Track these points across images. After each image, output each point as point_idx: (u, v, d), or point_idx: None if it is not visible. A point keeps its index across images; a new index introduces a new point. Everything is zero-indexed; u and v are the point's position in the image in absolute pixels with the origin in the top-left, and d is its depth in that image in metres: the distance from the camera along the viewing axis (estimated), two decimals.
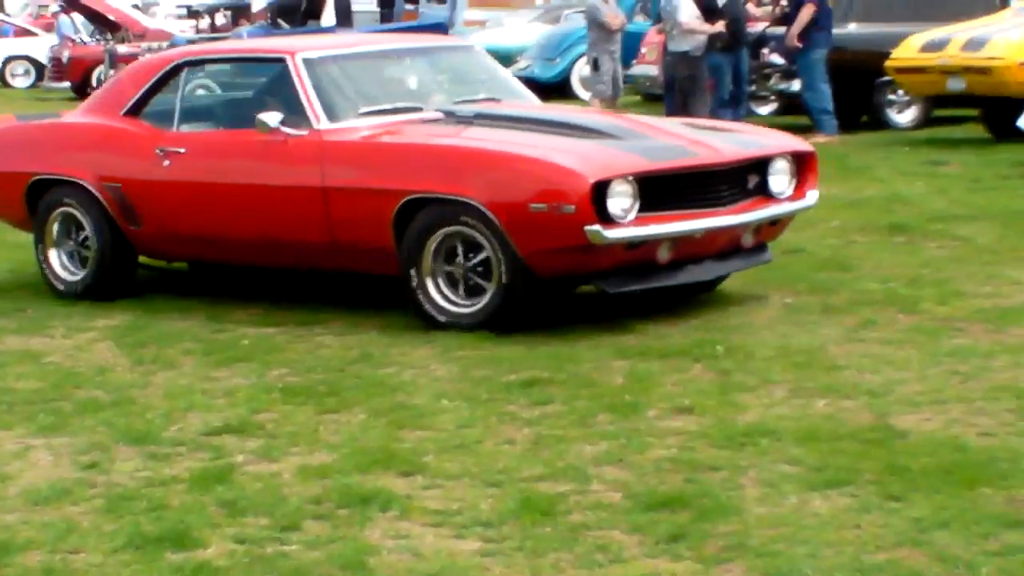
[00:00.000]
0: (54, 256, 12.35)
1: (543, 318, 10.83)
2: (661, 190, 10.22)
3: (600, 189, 9.86)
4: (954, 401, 8.60)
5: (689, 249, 10.53)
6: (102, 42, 37.41)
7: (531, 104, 12.50)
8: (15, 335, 11.38)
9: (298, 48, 11.81)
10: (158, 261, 12.83)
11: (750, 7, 24.97)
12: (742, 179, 10.67)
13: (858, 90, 22.82)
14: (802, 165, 11.12)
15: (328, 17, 32.60)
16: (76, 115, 13.21)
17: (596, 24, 25.25)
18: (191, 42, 32.41)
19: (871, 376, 9.18)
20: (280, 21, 32.74)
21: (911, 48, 21.46)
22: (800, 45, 21.23)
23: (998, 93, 20.26)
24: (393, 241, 10.64)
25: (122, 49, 35.59)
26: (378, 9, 38.93)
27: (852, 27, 23.42)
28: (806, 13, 21.11)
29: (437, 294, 10.59)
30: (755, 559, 6.42)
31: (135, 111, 12.08)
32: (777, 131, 12.22)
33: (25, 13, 57.16)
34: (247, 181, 11.37)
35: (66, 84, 37.52)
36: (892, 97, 23.09)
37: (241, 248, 11.74)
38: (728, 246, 10.80)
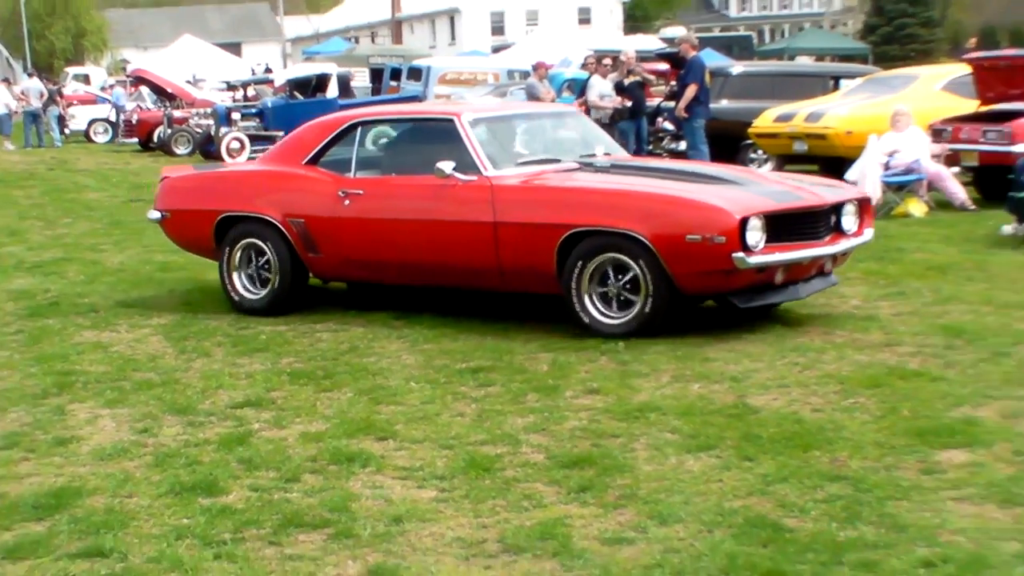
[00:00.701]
0: (237, 279, 11.89)
1: (486, 320, 10.82)
2: (780, 225, 9.97)
3: (742, 224, 9.64)
4: (794, 385, 8.60)
5: (795, 273, 10.27)
6: (162, 108, 37.28)
7: (643, 158, 12.40)
8: (89, 330, 11.32)
9: (461, 111, 11.46)
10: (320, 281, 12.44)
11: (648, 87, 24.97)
12: (829, 218, 10.45)
13: (729, 150, 22.86)
14: (862, 209, 10.84)
15: (332, 90, 32.48)
16: (257, 165, 12.73)
17: (533, 98, 25.28)
18: (229, 109, 32.33)
19: (734, 366, 9.18)
20: (296, 93, 32.62)
21: (767, 119, 21.65)
22: (686, 115, 21.26)
23: (831, 154, 20.41)
24: (555, 266, 10.27)
25: (177, 114, 35.50)
26: (370, 84, 38.95)
27: (725, 102, 23.52)
28: (690, 91, 21.15)
29: (593, 308, 10.20)
30: (643, 505, 6.43)
31: (314, 161, 11.76)
32: (839, 182, 11.86)
33: (107, 85, 56.89)
34: (424, 217, 10.90)
35: (135, 140, 37.40)
36: (753, 155, 23.17)
37: (412, 271, 11.28)
38: (817, 271, 10.57)
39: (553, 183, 10.74)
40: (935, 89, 21.24)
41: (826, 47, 69.71)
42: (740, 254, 9.63)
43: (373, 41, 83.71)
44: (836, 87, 24.02)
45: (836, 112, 20.75)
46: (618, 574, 5.63)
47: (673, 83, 23.90)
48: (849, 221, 10.60)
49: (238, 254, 11.89)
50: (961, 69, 20.82)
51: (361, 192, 11.27)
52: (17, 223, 19.98)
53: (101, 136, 42.07)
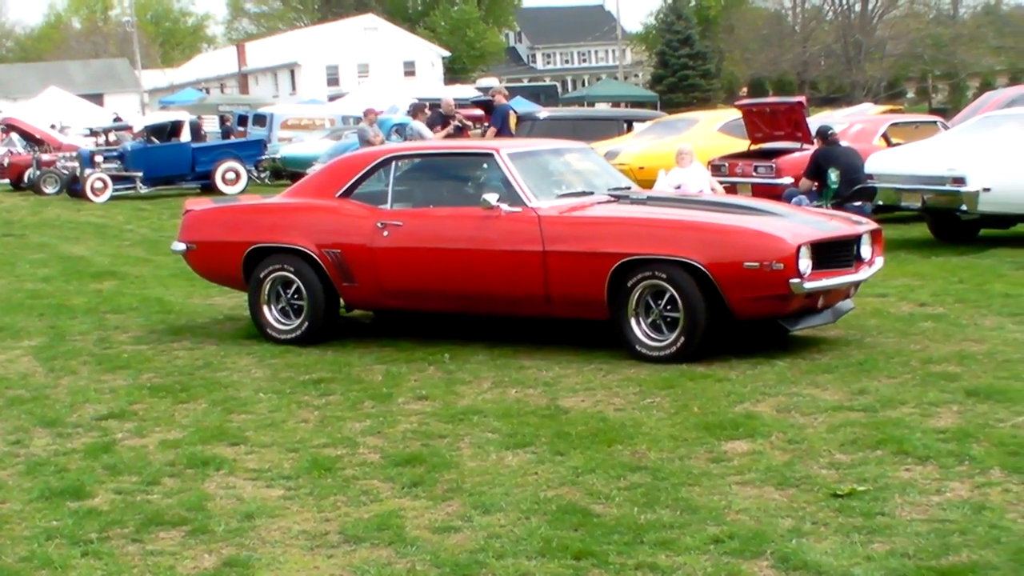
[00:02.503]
0: (267, 311, 10.86)
1: (327, 338, 10.70)
2: (821, 253, 9.47)
3: (797, 252, 9.17)
4: (599, 388, 8.64)
5: (832, 298, 9.85)
6: (31, 152, 36.41)
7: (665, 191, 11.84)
8: None
9: (500, 146, 10.83)
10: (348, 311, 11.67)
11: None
12: (855, 248, 10.02)
13: None
14: (875, 239, 10.28)
15: (186, 135, 31.97)
16: (289, 198, 11.59)
17: (364, 141, 25.15)
18: (92, 153, 31.66)
19: (546, 372, 9.20)
20: (153, 138, 32.05)
21: None
22: None
23: None
24: (605, 293, 9.61)
25: (45, 157, 34.70)
26: (220, 130, 38.48)
27: None
28: (490, 133, 21.18)
29: (640, 332, 9.56)
30: (468, 497, 6.41)
31: (347, 193, 10.81)
32: (852, 215, 11.32)
33: None
34: (467, 247, 10.13)
35: (6, 181, 36.49)
36: None
37: (453, 300, 10.44)
38: (843, 296, 10.14)
39: (602, 214, 10.15)
40: (714, 131, 21.60)
41: (620, 95, 70.53)
42: (796, 280, 9.15)
43: (222, 91, 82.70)
44: (629, 129, 24.27)
45: (630, 150, 20.97)
46: (447, 559, 5.58)
47: (486, 124, 23.91)
48: (867, 250, 10.13)
49: (267, 286, 10.89)
50: (735, 114, 21.19)
51: (400, 223, 10.42)
52: None
53: None
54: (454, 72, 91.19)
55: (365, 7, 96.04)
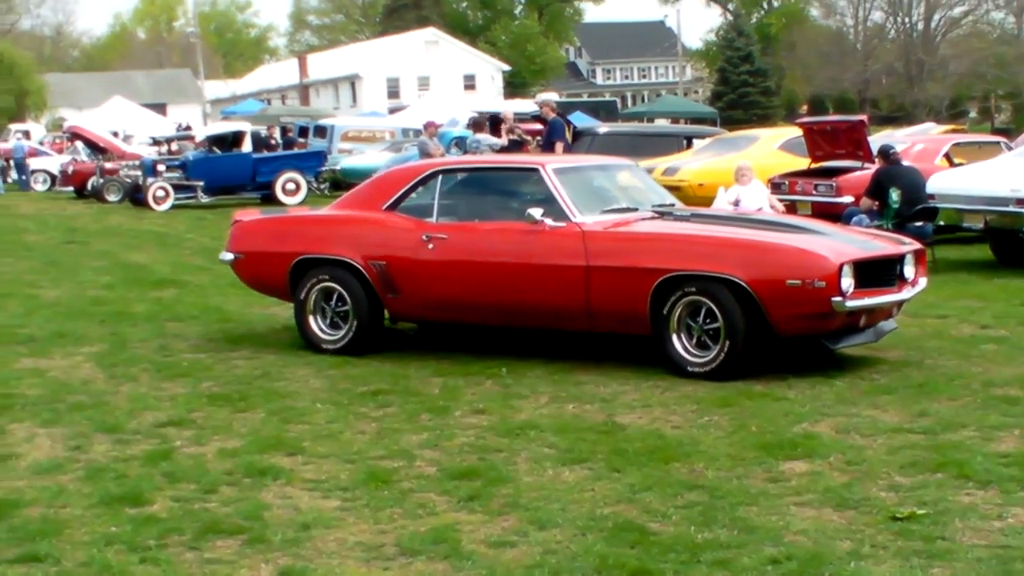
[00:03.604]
0: (312, 321, 10.94)
1: (384, 348, 10.72)
2: (864, 272, 9.42)
3: (839, 270, 9.14)
4: (657, 405, 8.61)
5: (875, 317, 9.80)
6: (95, 161, 36.77)
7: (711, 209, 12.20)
8: (27, 357, 11.04)
9: (546, 162, 10.80)
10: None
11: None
12: (897, 267, 9.94)
13: None
14: (919, 259, 10.29)
15: (247, 146, 32.16)
16: (336, 210, 11.69)
17: (424, 154, 25.22)
18: (155, 162, 31.93)
19: (603, 388, 9.17)
20: (214, 148, 32.30)
21: None
22: None
23: (685, 204, 20.47)
24: (648, 308, 9.59)
25: (108, 165, 35.04)
26: (280, 141, 38.68)
27: None
28: (559, 148, 21.15)
29: (681, 348, 9.54)
30: (524, 512, 6.38)
31: (394, 206, 10.86)
32: (897, 235, 11.46)
33: (45, 140, 56.08)
34: (511, 260, 10.15)
35: (70, 188, 36.86)
36: None
37: (495, 313, 10.44)
38: (886, 315, 10.08)
39: (645, 230, 10.13)
40: (774, 148, 21.50)
41: (680, 111, 70.25)
42: (838, 298, 9.11)
43: (283, 102, 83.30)
44: (689, 145, 24.19)
45: (690, 167, 20.90)
46: (502, 574, 5.57)
47: (539, 139, 23.89)
48: (910, 270, 10.09)
49: (313, 296, 10.96)
50: (795, 132, 21.08)
51: (445, 236, 10.45)
52: None
53: (40, 185, 41.50)
54: (514, 86, 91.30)
55: (426, 21, 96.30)
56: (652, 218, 10.39)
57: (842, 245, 9.66)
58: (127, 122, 58.08)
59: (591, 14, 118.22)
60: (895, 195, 15.91)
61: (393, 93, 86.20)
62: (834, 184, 18.05)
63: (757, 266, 9.29)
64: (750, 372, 9.38)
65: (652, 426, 8.04)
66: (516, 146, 23.02)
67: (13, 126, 64.59)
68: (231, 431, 8.25)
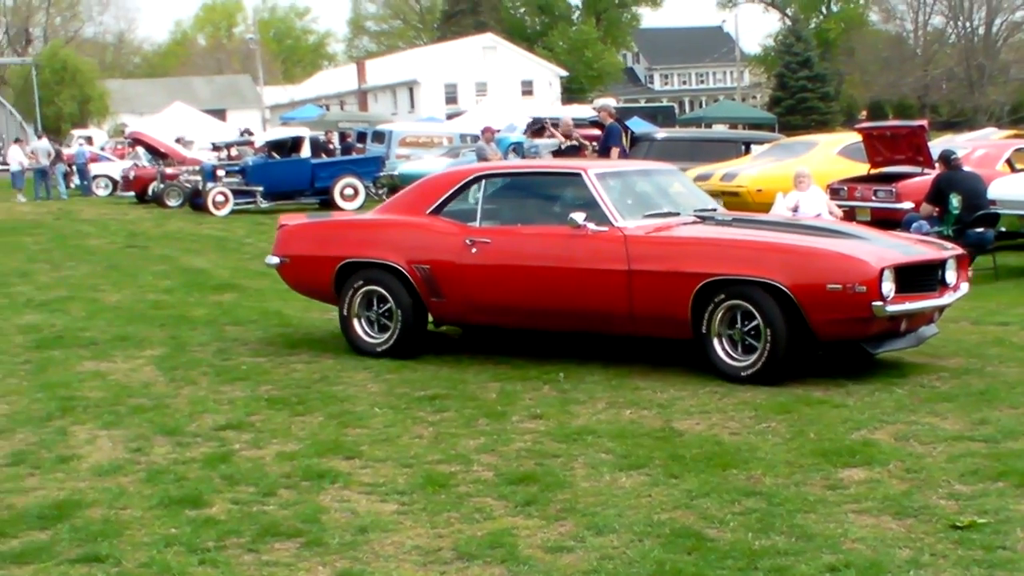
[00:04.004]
0: (357, 324, 11.05)
1: (441, 353, 10.75)
2: (905, 277, 9.43)
3: (880, 275, 9.14)
4: (714, 411, 8.57)
5: (916, 321, 9.80)
6: (156, 166, 37.08)
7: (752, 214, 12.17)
8: (89, 360, 11.15)
9: (588, 166, 10.83)
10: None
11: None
12: (939, 272, 9.90)
13: None
14: (960, 265, 10.18)
15: (306, 151, 32.30)
16: (381, 215, 11.77)
17: (482, 159, 25.30)
18: (215, 167, 32.13)
19: (660, 394, 9.14)
20: (274, 153, 32.46)
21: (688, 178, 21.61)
22: None
23: (743, 209, 20.40)
24: (689, 312, 9.61)
25: (169, 170, 35.32)
26: (339, 146, 38.81)
27: None
28: (614, 154, 21.10)
29: (722, 352, 9.57)
30: (581, 517, 6.37)
31: (438, 211, 10.97)
32: (940, 240, 11.45)
33: (107, 145, 56.66)
34: (554, 264, 10.19)
35: (131, 194, 37.17)
36: None
37: (537, 316, 10.50)
38: (927, 321, 10.08)
39: (687, 234, 10.15)
40: (832, 154, 21.38)
41: (738, 116, 70.07)
42: (879, 303, 9.11)
43: (342, 108, 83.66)
44: (747, 151, 24.12)
45: (748, 173, 20.84)
46: None
47: (595, 144, 23.85)
48: (952, 275, 10.03)
49: (357, 300, 11.07)
50: (854, 137, 20.96)
51: (489, 241, 10.51)
52: (27, 266, 19.78)
53: (102, 190, 41.91)
54: (571, 92, 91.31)
55: (484, 26, 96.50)
56: (694, 223, 10.42)
57: (883, 250, 9.66)
58: (187, 128, 58.56)
59: (649, 19, 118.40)
60: (955, 201, 15.78)
61: (451, 98, 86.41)
62: (894, 190, 17.93)
63: (798, 270, 9.31)
64: (809, 379, 9.35)
65: (710, 432, 8.00)
66: (573, 151, 22.97)
67: (76, 132, 65.36)
68: (289, 434, 8.29)
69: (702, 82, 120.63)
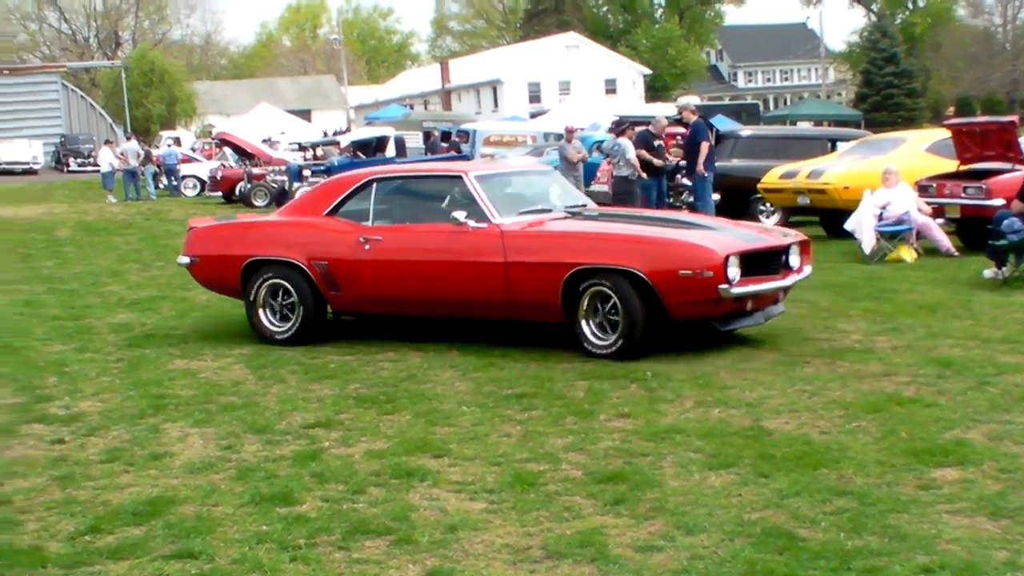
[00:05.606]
0: (262, 315, 12.02)
1: (528, 351, 10.75)
2: (749, 262, 10.48)
3: (725, 261, 10.16)
4: (803, 410, 8.48)
5: (761, 302, 10.84)
6: (243, 166, 37.46)
7: (620, 207, 13.47)
8: (180, 359, 11.31)
9: (468, 168, 12.00)
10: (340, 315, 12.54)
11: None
12: (782, 257, 11.07)
13: (740, 203, 22.77)
14: (803, 250, 11.36)
15: (390, 150, 32.50)
16: (281, 216, 12.89)
17: (563, 158, 25.31)
18: (301, 167, 32.40)
19: (749, 393, 9.07)
20: (359, 153, 32.67)
21: (774, 176, 21.48)
22: (707, 174, 21.05)
23: (830, 206, 20.29)
24: (560, 298, 10.63)
25: (255, 171, 35.66)
26: (423, 145, 38.96)
27: (735, 161, 23.41)
28: (704, 148, 20.98)
29: (589, 332, 10.61)
30: (670, 516, 6.34)
31: (334, 212, 12.03)
32: (785, 228, 12.50)
33: (194, 147, 57.31)
34: (439, 258, 11.26)
35: (219, 194, 37.58)
36: (762, 208, 23.00)
37: (426, 305, 11.57)
38: (773, 301, 11.14)
39: (557, 228, 11.16)
40: (920, 150, 21.08)
41: (823, 114, 69.48)
42: (725, 285, 10.14)
43: (426, 107, 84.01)
44: (833, 148, 23.86)
45: (834, 170, 20.62)
46: None
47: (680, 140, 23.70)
48: (795, 259, 11.17)
49: (262, 293, 12.02)
50: (942, 133, 20.67)
51: (380, 238, 11.55)
52: (118, 265, 20.07)
53: (190, 190, 42.40)
54: (655, 90, 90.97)
55: (567, 25, 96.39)
56: (564, 218, 11.51)
57: (730, 239, 10.69)
58: (273, 128, 59.09)
59: (732, 16, 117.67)
60: None
61: (534, 97, 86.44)
62: (984, 187, 17.64)
63: (654, 259, 10.33)
64: (899, 378, 9.24)
65: (799, 431, 7.93)
66: (662, 149, 22.72)
67: (164, 133, 66.20)
68: (378, 433, 8.33)
69: (786, 79, 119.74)
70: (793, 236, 11.46)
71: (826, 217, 21.21)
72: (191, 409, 9.23)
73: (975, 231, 17.36)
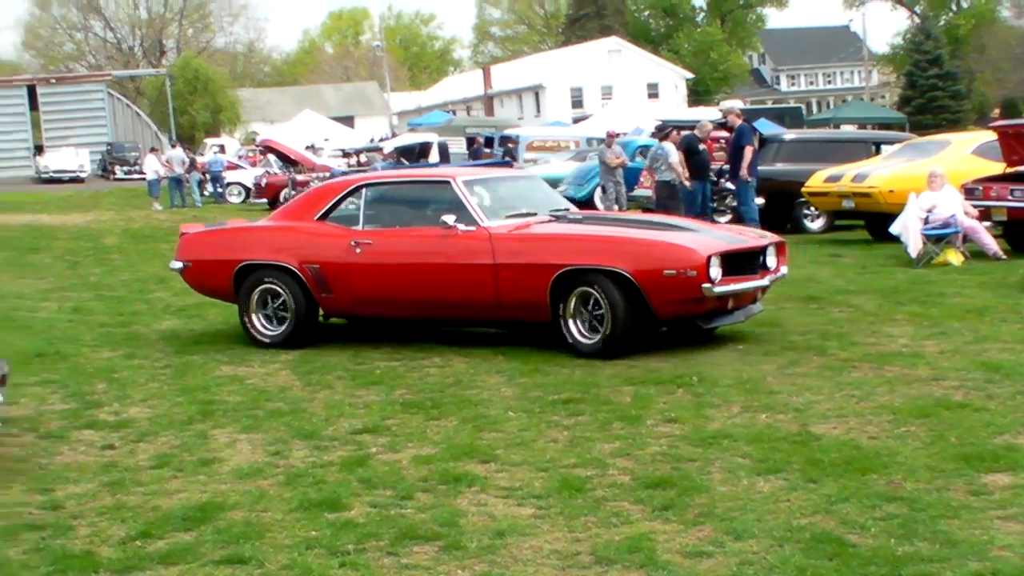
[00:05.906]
0: (255, 318, 12.26)
1: (574, 357, 10.73)
2: (730, 263, 10.84)
3: (708, 261, 10.49)
4: (851, 415, 8.43)
5: (741, 300, 11.18)
6: (287, 173, 37.61)
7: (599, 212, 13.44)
8: (227, 365, 11.36)
9: (455, 174, 12.26)
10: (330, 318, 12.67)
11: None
12: (760, 258, 11.42)
13: (784, 206, 22.71)
14: (779, 251, 11.74)
15: (433, 156, 32.59)
16: (272, 221, 13.15)
17: (601, 162, 25.33)
18: (344, 172, 32.49)
19: (796, 398, 9.02)
20: (402, 159, 32.78)
21: (819, 179, 21.37)
22: (750, 178, 20.99)
23: (875, 210, 20.17)
24: (548, 298, 10.91)
25: (300, 177, 35.78)
26: (467, 151, 39.03)
27: (779, 165, 23.29)
28: (748, 152, 20.92)
29: (576, 331, 10.91)
30: (719, 522, 6.31)
31: (324, 217, 12.25)
32: (760, 228, 12.99)
33: (239, 154, 57.61)
34: (428, 261, 11.52)
35: (264, 200, 37.73)
36: (807, 211, 22.96)
37: (416, 307, 11.80)
38: (751, 300, 11.47)
39: (544, 231, 11.49)
40: (966, 153, 20.94)
41: (867, 116, 69.05)
42: (708, 284, 10.48)
43: (468, 113, 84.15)
44: (878, 152, 23.74)
45: (879, 173, 20.50)
46: None
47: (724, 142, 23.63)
48: (772, 260, 11.55)
49: (255, 297, 12.22)
50: (988, 136, 20.53)
51: (371, 242, 11.78)
52: (164, 272, 20.05)
53: (235, 198, 42.61)
54: (697, 94, 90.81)
55: (609, 30, 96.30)
56: (549, 221, 11.83)
57: (711, 240, 11.09)
58: (316, 135, 59.31)
59: (774, 20, 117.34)
60: None
61: (577, 103, 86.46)
62: None
63: (639, 259, 10.65)
64: (947, 383, 9.18)
65: (847, 436, 7.88)
66: (704, 153, 22.63)
67: (209, 140, 66.59)
68: (425, 438, 8.34)
69: (829, 82, 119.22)
70: (770, 238, 11.84)
71: (871, 221, 21.10)
72: (239, 415, 9.27)
73: (1023, 234, 17.22)
